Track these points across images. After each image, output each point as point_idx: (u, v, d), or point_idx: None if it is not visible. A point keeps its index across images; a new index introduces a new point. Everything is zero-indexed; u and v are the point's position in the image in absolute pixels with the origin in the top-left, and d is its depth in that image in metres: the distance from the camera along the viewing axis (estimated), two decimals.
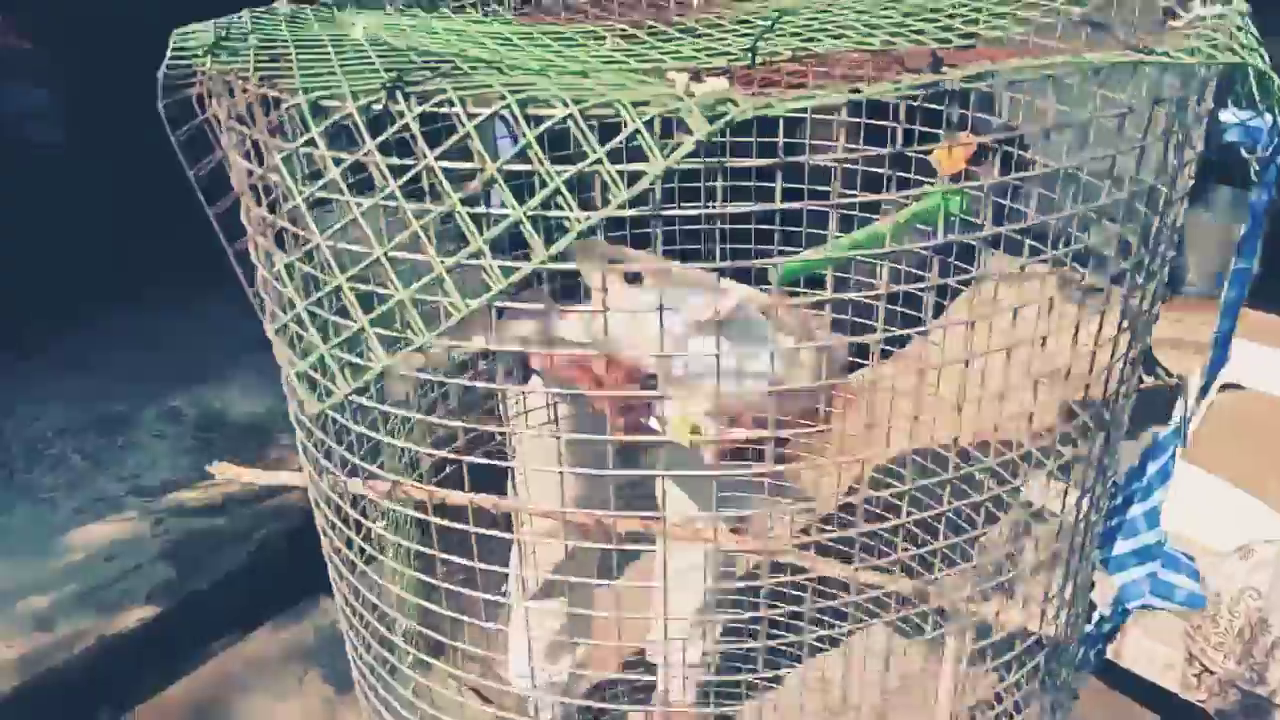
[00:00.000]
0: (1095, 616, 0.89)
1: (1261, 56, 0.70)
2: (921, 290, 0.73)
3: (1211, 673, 1.25)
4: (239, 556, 2.23)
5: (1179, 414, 0.69)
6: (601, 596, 1.67)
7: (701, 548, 1.57)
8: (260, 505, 2.35)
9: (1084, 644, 0.79)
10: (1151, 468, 0.77)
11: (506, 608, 1.59)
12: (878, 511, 0.84)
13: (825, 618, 0.89)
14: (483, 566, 0.72)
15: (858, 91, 0.58)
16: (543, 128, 0.56)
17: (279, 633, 2.12)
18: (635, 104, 0.55)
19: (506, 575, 1.52)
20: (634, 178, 0.54)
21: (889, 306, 0.75)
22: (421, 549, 0.69)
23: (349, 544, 0.75)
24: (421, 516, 0.79)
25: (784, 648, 1.30)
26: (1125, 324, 0.76)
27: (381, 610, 0.78)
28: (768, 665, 1.67)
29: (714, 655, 1.72)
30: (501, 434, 1.27)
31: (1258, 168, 0.76)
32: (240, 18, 0.85)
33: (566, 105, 0.56)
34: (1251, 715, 1.24)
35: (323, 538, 0.77)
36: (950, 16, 0.81)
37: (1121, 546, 0.76)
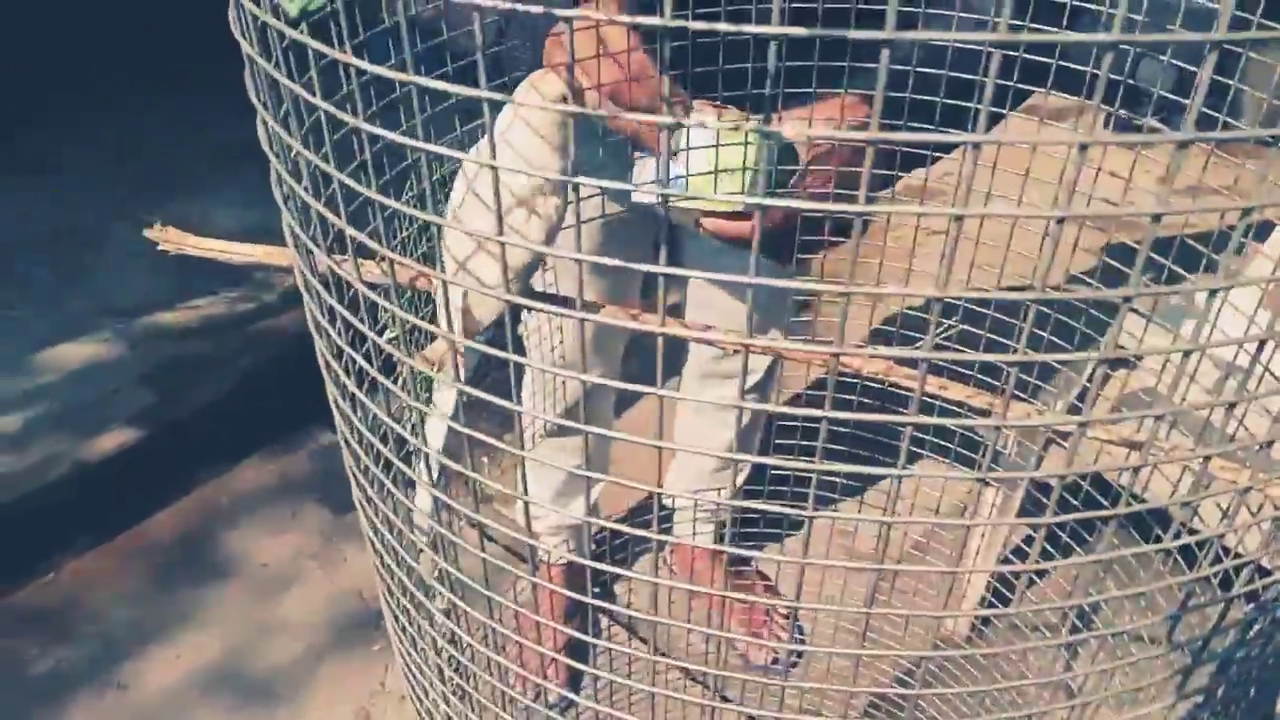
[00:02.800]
0: None
1: None
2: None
3: None
4: (224, 384, 2.09)
5: None
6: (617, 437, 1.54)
7: (732, 381, 1.44)
8: (245, 330, 2.19)
9: None
10: None
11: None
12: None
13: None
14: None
15: None
16: None
17: (269, 464, 2.00)
18: None
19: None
20: None
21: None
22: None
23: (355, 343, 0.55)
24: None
25: (807, 491, 1.18)
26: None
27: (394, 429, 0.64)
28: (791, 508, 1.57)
29: (736, 498, 1.61)
30: None
31: None
32: None
33: None
34: None
35: (317, 340, 0.60)
36: None
37: None
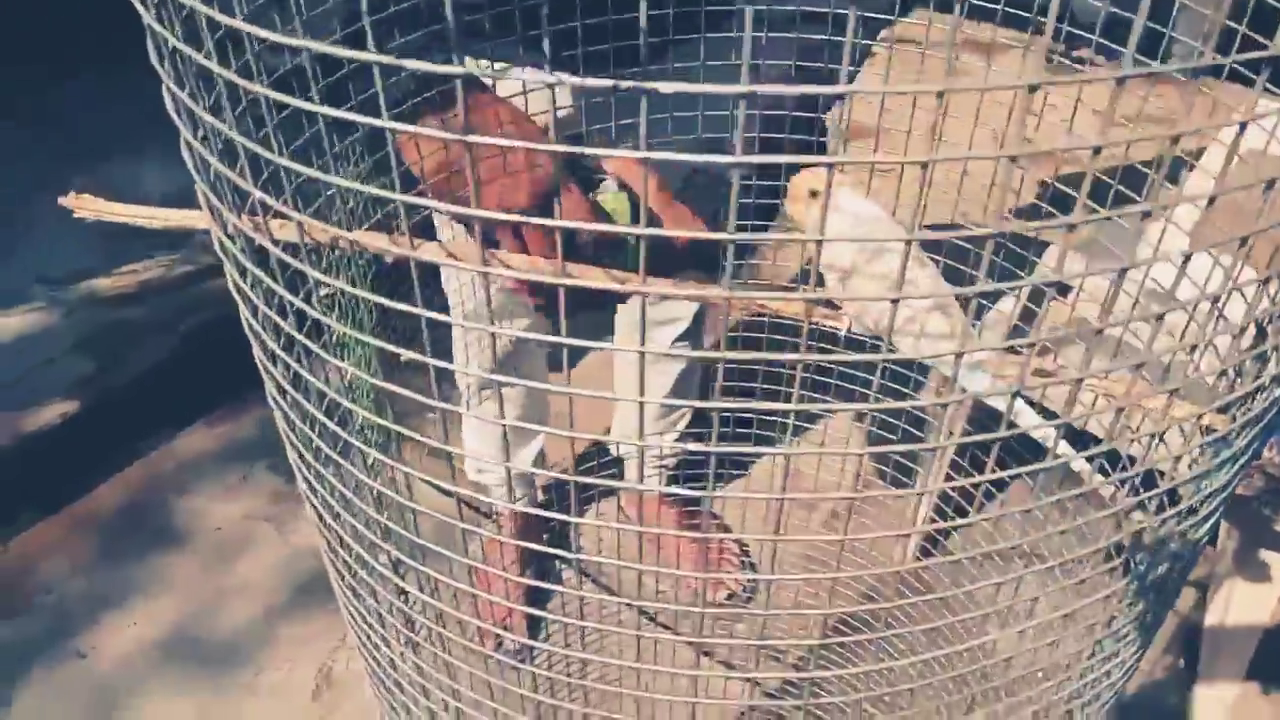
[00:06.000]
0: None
1: None
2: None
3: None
4: (164, 349, 2.06)
5: None
6: (557, 383, 1.56)
7: (670, 330, 1.46)
8: (183, 293, 2.15)
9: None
10: None
11: (459, 400, 1.48)
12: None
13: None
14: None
15: None
16: None
17: (216, 428, 1.98)
18: None
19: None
20: None
21: None
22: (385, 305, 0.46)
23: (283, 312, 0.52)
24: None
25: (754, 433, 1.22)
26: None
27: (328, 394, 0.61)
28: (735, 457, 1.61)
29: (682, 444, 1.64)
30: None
31: None
32: None
33: None
34: (1270, 502, 1.19)
35: (242, 306, 0.57)
36: None
37: None
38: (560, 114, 0.90)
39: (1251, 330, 0.52)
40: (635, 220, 0.74)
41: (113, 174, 2.39)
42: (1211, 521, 0.57)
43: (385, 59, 0.35)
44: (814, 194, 0.56)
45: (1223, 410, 0.51)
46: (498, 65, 0.92)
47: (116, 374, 1.94)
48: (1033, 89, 0.30)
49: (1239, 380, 0.52)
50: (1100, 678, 0.62)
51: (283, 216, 0.46)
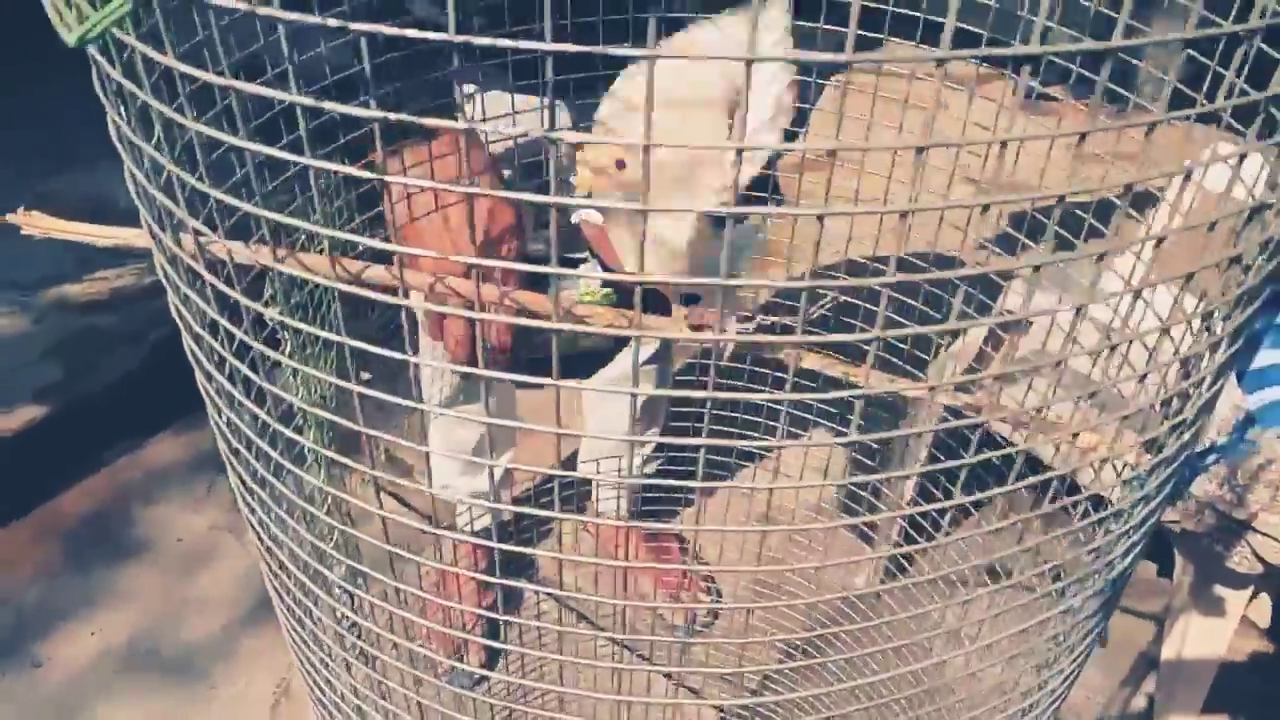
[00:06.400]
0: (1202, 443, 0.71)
1: None
2: None
3: (1189, 495, 1.21)
4: (134, 357, 2.06)
5: None
6: (527, 403, 1.56)
7: (640, 351, 1.46)
8: (154, 302, 2.15)
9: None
10: None
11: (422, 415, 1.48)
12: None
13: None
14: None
15: None
16: None
17: (182, 438, 1.98)
18: None
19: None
20: None
21: None
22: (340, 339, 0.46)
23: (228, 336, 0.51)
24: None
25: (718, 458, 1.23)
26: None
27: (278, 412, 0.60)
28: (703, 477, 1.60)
29: (649, 467, 1.65)
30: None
31: None
32: None
33: None
34: (1221, 539, 1.20)
35: (184, 333, 0.57)
36: None
37: (1268, 358, 0.56)
38: (521, 141, 0.91)
39: (1177, 368, 0.53)
40: (614, 298, 0.80)
41: (83, 181, 2.39)
42: (1133, 556, 0.58)
43: (306, 100, 0.36)
44: (621, 165, 0.53)
45: (1149, 445, 0.52)
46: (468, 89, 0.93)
47: (86, 381, 1.93)
48: (920, 151, 0.31)
49: (1165, 416, 0.53)
50: (1029, 706, 0.63)
51: (215, 242, 0.47)
